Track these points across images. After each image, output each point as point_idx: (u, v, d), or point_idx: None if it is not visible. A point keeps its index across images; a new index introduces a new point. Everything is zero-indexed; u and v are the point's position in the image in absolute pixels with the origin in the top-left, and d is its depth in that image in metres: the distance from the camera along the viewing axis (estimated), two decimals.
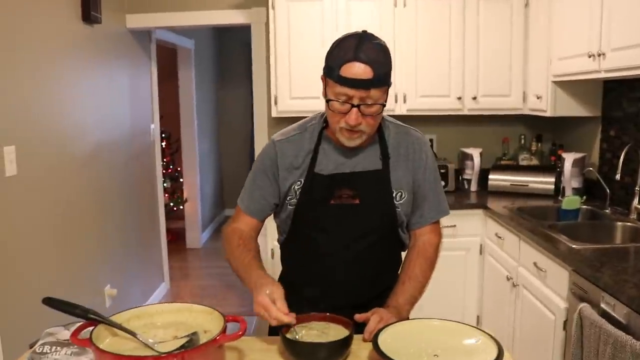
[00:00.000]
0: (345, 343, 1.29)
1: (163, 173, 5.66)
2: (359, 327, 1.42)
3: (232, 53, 7.20)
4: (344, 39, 1.45)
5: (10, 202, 2.46)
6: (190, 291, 4.86)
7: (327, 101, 1.46)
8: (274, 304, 1.33)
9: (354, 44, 1.40)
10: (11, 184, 2.46)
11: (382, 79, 1.40)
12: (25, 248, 2.57)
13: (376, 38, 1.45)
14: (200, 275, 5.33)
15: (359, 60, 1.38)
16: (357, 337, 1.37)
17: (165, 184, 5.79)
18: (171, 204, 5.97)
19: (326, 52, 1.47)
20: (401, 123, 1.66)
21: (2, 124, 2.41)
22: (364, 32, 1.46)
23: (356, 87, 1.39)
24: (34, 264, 2.64)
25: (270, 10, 3.44)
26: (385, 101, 1.46)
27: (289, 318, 1.33)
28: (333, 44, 1.46)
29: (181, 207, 6.09)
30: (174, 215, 6.16)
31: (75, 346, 1.26)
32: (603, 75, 2.54)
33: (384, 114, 1.66)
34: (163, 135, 5.90)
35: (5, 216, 2.42)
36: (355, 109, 1.42)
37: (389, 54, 1.46)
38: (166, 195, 5.85)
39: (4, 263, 2.37)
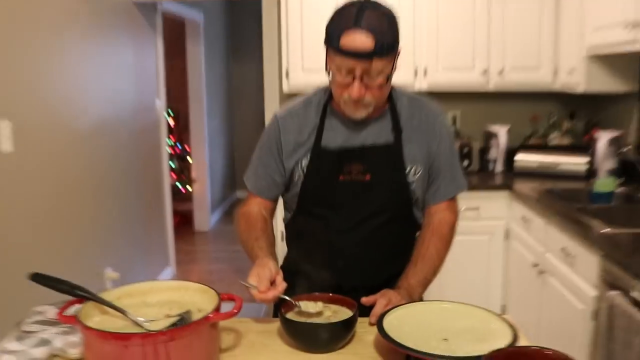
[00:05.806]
0: (348, 324, 1.27)
1: (171, 154, 5.69)
2: (367, 310, 1.40)
3: (244, 26, 7.17)
4: (344, 6, 1.41)
5: (5, 180, 2.48)
6: (197, 276, 4.89)
7: (329, 73, 1.44)
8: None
9: (354, 11, 1.37)
10: (7, 161, 2.48)
11: (385, 48, 1.36)
12: (21, 228, 2.60)
13: (380, 5, 1.41)
14: (209, 259, 5.37)
15: (359, 28, 1.35)
16: (362, 320, 1.35)
17: (172, 164, 5.81)
18: (178, 185, 5.99)
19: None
20: (414, 94, 1.63)
21: None
22: None
23: (357, 57, 1.36)
24: (30, 244, 2.66)
25: None
26: (392, 71, 1.43)
27: (273, 293, 1.33)
28: (334, 11, 1.43)
29: (189, 187, 6.11)
30: (182, 196, 6.19)
31: (65, 325, 1.27)
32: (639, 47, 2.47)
33: (399, 86, 1.64)
34: (171, 113, 5.91)
35: (0, 194, 2.44)
36: (358, 81, 1.39)
37: (395, 21, 1.42)
38: (174, 175, 5.87)
39: None
